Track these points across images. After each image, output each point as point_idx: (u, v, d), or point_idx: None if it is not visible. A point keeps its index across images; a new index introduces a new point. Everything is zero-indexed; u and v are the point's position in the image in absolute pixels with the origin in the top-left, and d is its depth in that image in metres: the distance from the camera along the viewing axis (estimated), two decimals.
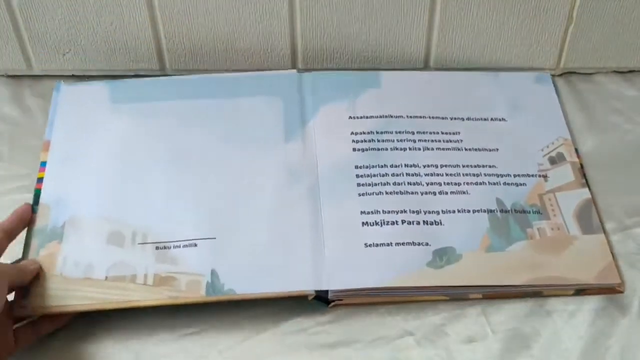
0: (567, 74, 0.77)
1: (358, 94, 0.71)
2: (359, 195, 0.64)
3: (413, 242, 0.61)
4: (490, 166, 0.67)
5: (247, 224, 0.62)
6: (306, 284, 0.58)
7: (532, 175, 0.66)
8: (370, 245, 0.61)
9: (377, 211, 0.63)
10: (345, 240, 0.61)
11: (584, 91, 0.75)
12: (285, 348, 0.58)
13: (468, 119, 0.70)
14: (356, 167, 0.66)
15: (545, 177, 0.66)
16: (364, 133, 0.68)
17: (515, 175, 0.66)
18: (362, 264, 0.60)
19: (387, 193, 0.64)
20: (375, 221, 0.62)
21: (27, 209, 0.62)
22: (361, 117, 0.69)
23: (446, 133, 0.69)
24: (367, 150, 0.67)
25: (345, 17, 0.72)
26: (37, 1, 0.71)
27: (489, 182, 0.65)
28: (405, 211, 0.63)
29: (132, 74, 0.76)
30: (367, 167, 0.65)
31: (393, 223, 0.62)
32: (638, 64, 0.77)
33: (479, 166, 0.66)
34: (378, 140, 0.68)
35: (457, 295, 0.60)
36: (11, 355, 0.56)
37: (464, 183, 0.65)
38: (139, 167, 0.66)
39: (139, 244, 0.61)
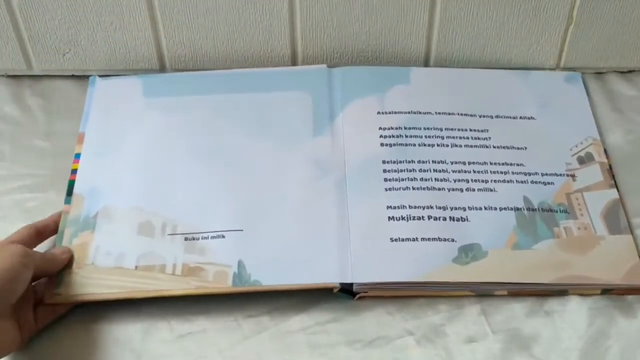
0: None
1: (387, 89, 0.72)
2: (386, 190, 0.64)
3: (439, 238, 0.61)
4: (518, 164, 0.66)
5: (274, 216, 0.63)
6: (331, 277, 0.59)
7: (560, 175, 0.66)
8: (396, 240, 0.61)
9: (404, 206, 0.63)
10: (371, 235, 0.61)
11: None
12: (285, 348, 0.58)
13: (497, 116, 0.70)
14: (384, 162, 0.66)
15: (573, 176, 0.66)
16: (392, 128, 0.68)
17: (543, 174, 0.66)
18: (387, 258, 0.60)
19: (414, 188, 0.64)
20: (402, 216, 0.62)
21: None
22: (390, 113, 0.70)
23: (474, 130, 0.69)
24: (394, 145, 0.67)
25: (345, 17, 0.73)
26: (37, 1, 0.71)
27: (516, 180, 0.65)
28: (431, 207, 0.63)
29: (132, 74, 0.76)
30: (394, 162, 0.66)
31: (419, 218, 0.62)
32: (638, 64, 0.76)
33: (506, 164, 0.66)
34: (406, 136, 0.68)
35: (482, 292, 0.60)
36: (32, 334, 0.57)
37: (491, 180, 0.65)
38: (170, 159, 0.67)
39: (168, 234, 0.62)
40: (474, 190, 0.65)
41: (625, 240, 0.62)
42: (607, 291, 0.60)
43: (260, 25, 0.73)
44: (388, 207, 0.63)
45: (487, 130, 0.69)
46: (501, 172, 0.66)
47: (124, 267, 0.60)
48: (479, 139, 0.68)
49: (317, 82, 0.72)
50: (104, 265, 0.60)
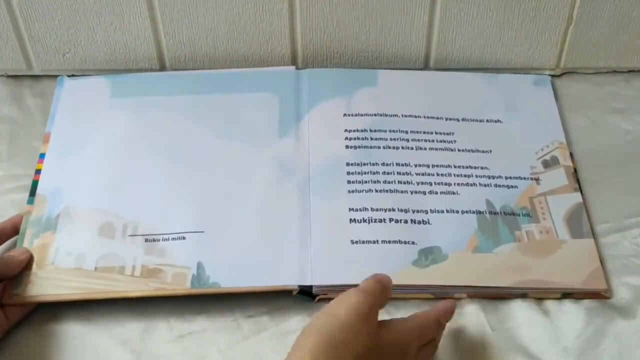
0: (567, 74, 0.77)
1: (354, 91, 0.71)
2: (349, 192, 0.64)
3: (399, 241, 0.61)
4: (482, 167, 0.66)
5: (236, 218, 0.63)
6: (290, 279, 0.59)
7: (525, 178, 0.66)
8: (356, 242, 0.61)
9: (366, 208, 0.63)
10: (332, 237, 0.61)
11: (583, 91, 0.75)
12: (285, 348, 0.55)
13: (463, 119, 0.70)
14: (347, 164, 0.66)
15: (537, 180, 0.66)
16: (357, 131, 0.68)
17: (507, 178, 0.66)
18: (347, 260, 0.60)
19: (376, 191, 0.64)
20: (363, 218, 0.62)
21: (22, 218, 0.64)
22: (356, 115, 0.70)
23: (440, 133, 0.69)
24: (359, 147, 0.67)
25: (345, 17, 0.73)
26: (37, 1, 0.71)
27: (479, 184, 0.65)
28: (393, 209, 0.63)
29: (134, 73, 0.75)
30: (358, 164, 0.66)
31: (381, 221, 0.62)
32: (638, 64, 0.76)
33: (470, 167, 0.66)
34: (371, 139, 0.68)
35: (442, 295, 0.60)
36: (4, 333, 0.57)
37: (454, 184, 0.65)
38: (134, 160, 0.67)
39: (129, 235, 0.62)
40: (436, 193, 0.64)
41: (587, 245, 0.62)
42: (567, 295, 0.60)
43: (260, 25, 0.73)
44: (350, 210, 0.63)
45: (453, 133, 0.69)
46: (465, 176, 0.66)
47: (84, 268, 0.60)
48: (444, 142, 0.68)
49: (284, 83, 0.72)
50: (64, 266, 0.60)
